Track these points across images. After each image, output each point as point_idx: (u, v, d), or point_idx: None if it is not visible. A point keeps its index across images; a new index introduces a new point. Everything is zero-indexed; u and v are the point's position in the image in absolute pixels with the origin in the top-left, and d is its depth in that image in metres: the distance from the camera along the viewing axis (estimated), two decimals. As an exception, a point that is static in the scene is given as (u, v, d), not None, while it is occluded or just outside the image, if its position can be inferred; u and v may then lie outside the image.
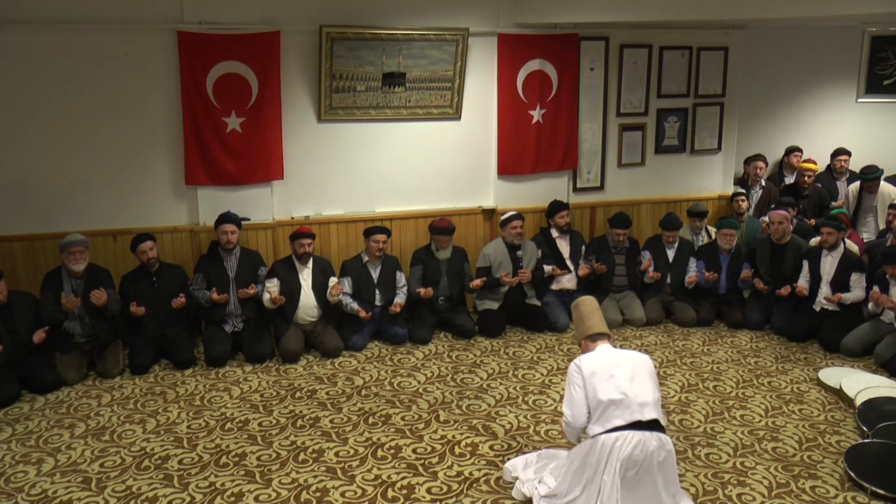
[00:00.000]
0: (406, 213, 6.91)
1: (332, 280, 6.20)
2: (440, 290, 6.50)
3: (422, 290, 6.34)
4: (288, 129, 6.43)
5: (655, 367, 3.97)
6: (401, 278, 6.44)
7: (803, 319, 6.38)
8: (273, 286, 6.03)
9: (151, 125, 6.15)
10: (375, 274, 6.32)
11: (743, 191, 7.62)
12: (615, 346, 4.00)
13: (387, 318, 6.32)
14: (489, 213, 7.16)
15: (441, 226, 6.49)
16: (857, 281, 6.21)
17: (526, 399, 5.29)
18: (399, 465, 4.41)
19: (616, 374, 3.71)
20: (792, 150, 8.27)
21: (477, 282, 6.52)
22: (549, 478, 3.92)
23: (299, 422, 4.93)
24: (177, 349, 5.80)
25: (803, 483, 4.24)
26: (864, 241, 7.27)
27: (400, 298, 6.35)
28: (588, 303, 4.13)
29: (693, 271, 6.84)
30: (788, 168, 8.28)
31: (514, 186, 7.16)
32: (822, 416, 5.03)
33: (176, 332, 5.87)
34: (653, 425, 3.67)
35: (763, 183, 7.75)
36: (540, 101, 7.00)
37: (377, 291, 6.31)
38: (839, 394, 5.28)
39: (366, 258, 6.32)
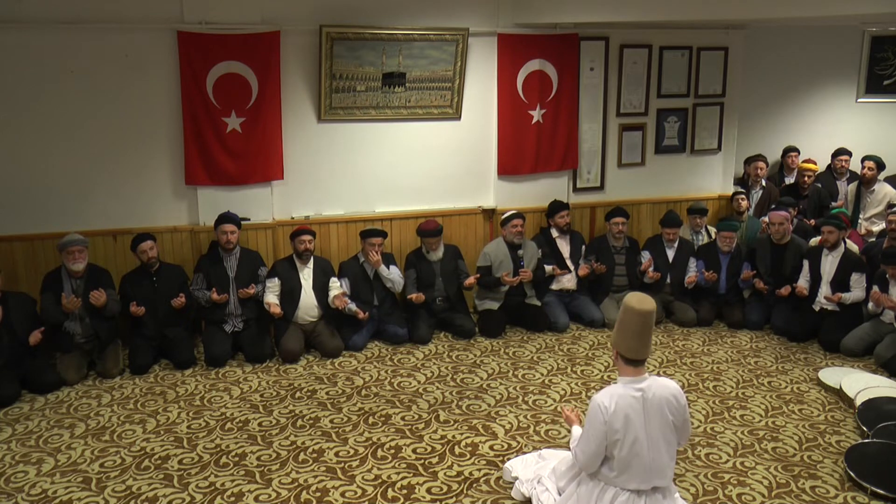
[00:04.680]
0: (406, 212, 6.90)
1: (333, 281, 6.21)
2: (436, 291, 6.49)
3: (413, 296, 6.33)
4: (288, 129, 6.43)
5: (685, 400, 3.52)
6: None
7: (803, 319, 6.37)
8: (273, 286, 6.03)
9: (151, 125, 6.15)
10: (372, 273, 6.32)
11: (743, 190, 7.63)
12: (649, 374, 3.51)
13: (386, 318, 6.32)
14: (489, 213, 7.16)
15: (427, 228, 6.47)
16: (858, 281, 6.21)
17: (526, 399, 5.29)
18: (399, 465, 4.41)
19: (639, 436, 3.38)
20: (789, 151, 8.26)
21: (470, 279, 6.51)
22: (551, 484, 3.90)
23: (299, 422, 4.93)
24: (177, 349, 5.79)
25: (803, 483, 4.24)
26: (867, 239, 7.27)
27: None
28: (646, 317, 3.37)
29: (693, 271, 6.84)
30: (788, 168, 8.28)
31: (514, 186, 7.16)
32: (822, 416, 5.03)
33: (176, 332, 5.87)
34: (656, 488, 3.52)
35: (763, 183, 7.74)
36: (540, 101, 7.00)
37: (375, 291, 6.31)
38: (839, 394, 5.28)
39: (362, 258, 6.32)
